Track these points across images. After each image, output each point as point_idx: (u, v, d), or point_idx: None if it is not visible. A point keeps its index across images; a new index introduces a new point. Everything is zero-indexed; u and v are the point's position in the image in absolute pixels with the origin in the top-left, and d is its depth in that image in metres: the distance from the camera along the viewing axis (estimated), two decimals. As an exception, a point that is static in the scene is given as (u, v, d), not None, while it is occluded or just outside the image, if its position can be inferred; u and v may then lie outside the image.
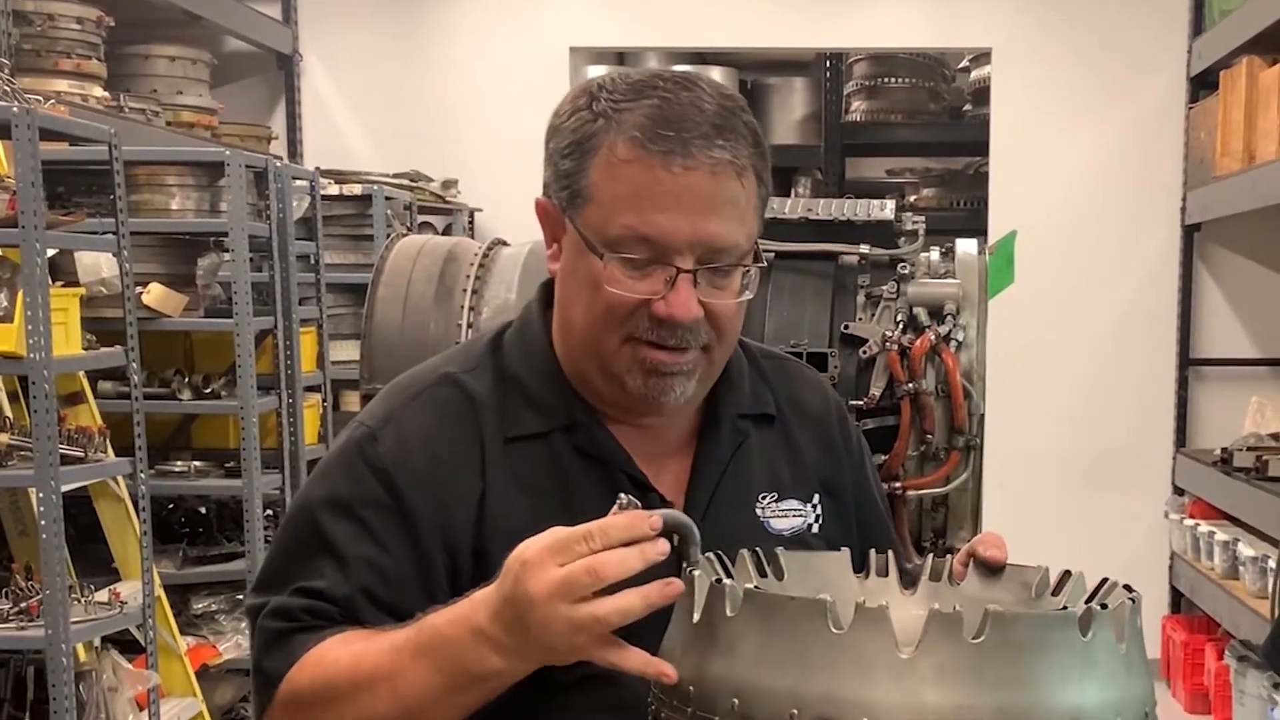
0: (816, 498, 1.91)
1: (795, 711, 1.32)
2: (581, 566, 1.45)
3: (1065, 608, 1.55)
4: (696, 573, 1.46)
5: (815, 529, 1.89)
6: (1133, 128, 7.19)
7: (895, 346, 3.19)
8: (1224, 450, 6.31)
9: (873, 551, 1.71)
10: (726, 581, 1.44)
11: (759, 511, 1.86)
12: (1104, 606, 1.42)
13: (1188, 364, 7.22)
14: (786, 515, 1.87)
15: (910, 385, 3.18)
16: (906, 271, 3.31)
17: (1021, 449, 7.07)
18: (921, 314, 3.25)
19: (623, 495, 1.52)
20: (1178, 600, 7.22)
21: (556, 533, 1.48)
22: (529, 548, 1.49)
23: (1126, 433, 7.24)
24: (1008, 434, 7.11)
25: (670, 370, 1.73)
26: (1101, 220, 7.20)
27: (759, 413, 1.91)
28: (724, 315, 1.75)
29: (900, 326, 3.24)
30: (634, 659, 1.47)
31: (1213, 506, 6.58)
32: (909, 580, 1.71)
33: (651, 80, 1.73)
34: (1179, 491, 7.10)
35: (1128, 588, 1.53)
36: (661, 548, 1.47)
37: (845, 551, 1.71)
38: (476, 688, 1.57)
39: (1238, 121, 6.22)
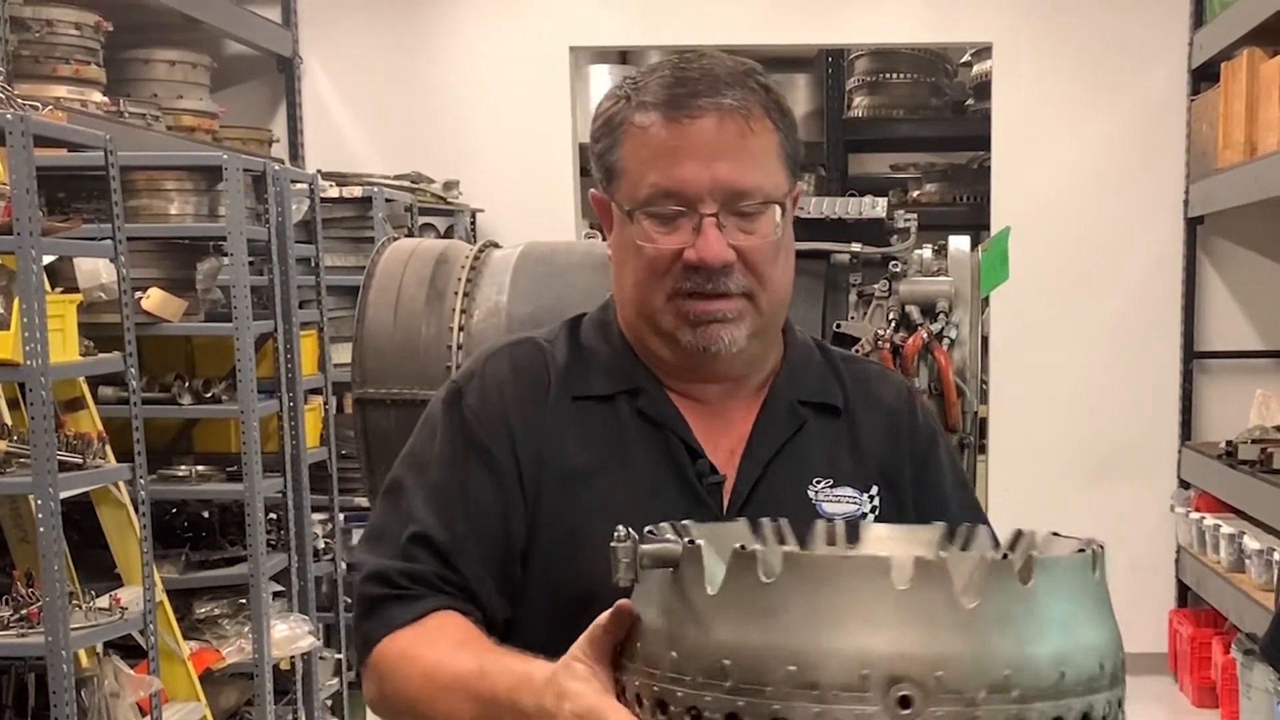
0: (875, 489, 1.94)
1: (866, 672, 1.28)
2: None
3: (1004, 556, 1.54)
4: (701, 542, 1.41)
5: (870, 518, 1.91)
6: (1134, 120, 7.17)
7: (887, 345, 3.19)
8: (1229, 443, 6.30)
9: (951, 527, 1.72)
10: (757, 548, 1.38)
11: (811, 494, 1.90)
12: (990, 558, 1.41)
13: (1192, 357, 7.21)
14: (840, 501, 1.91)
15: (902, 383, 3.17)
16: (898, 269, 3.30)
17: (1026, 444, 7.08)
18: (914, 312, 3.25)
19: (620, 528, 1.48)
20: (1184, 594, 7.20)
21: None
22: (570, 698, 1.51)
23: (1131, 427, 7.23)
24: (1012, 429, 7.13)
25: (714, 317, 1.82)
26: (1104, 214, 7.18)
27: (821, 402, 1.95)
28: (758, 257, 1.82)
29: (892, 325, 3.23)
30: None
31: (1218, 500, 6.56)
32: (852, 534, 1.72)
33: (669, 59, 1.86)
34: (1184, 485, 7.09)
35: (999, 546, 1.60)
36: None
37: (936, 525, 1.73)
38: None
39: (1239, 113, 6.20)
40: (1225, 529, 6.24)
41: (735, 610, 1.34)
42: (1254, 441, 6.09)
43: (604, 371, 1.92)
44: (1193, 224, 7.14)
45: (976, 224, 7.74)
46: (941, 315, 3.23)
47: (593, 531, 1.77)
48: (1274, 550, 5.60)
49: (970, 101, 8.22)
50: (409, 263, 3.49)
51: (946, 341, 3.21)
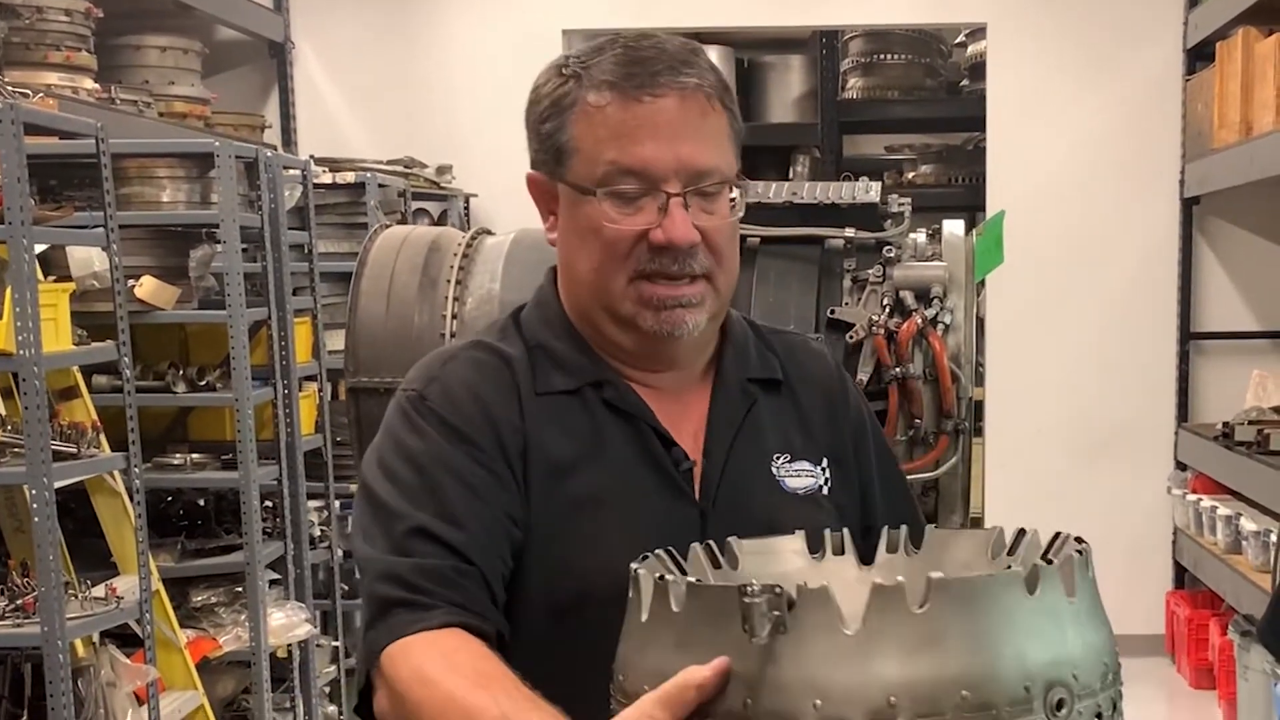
0: (825, 462, 1.95)
1: (1029, 684, 1.30)
2: None
3: (1009, 567, 1.53)
4: (640, 570, 1.42)
5: (825, 491, 1.93)
6: (1130, 101, 7.15)
7: (882, 331, 3.18)
8: (1225, 425, 6.29)
9: (827, 531, 1.71)
10: (669, 577, 1.40)
11: (774, 470, 1.90)
12: (1049, 562, 1.40)
13: (1188, 338, 7.20)
14: (800, 475, 1.91)
15: (897, 370, 3.17)
16: (892, 254, 3.29)
17: (1023, 426, 7.07)
18: (908, 297, 3.23)
19: (754, 583, 1.34)
20: (1181, 575, 7.20)
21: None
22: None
23: (1128, 408, 7.22)
24: (1008, 410, 7.12)
25: (679, 302, 1.80)
26: (1100, 194, 7.17)
27: (766, 377, 1.96)
28: (719, 238, 1.82)
29: (887, 310, 3.22)
30: None
31: (1215, 481, 6.56)
32: (868, 556, 1.70)
33: (611, 40, 1.84)
34: (1181, 466, 7.08)
35: (1079, 540, 1.50)
36: None
37: (800, 534, 1.71)
38: None
39: (1234, 93, 6.18)
40: (1222, 510, 6.23)
41: (890, 644, 1.30)
42: (1251, 423, 6.08)
43: (562, 367, 1.88)
44: (1188, 204, 7.13)
45: (972, 205, 7.71)
46: (936, 300, 3.23)
47: (585, 525, 1.77)
48: (1271, 532, 5.60)
49: (965, 82, 8.19)
50: (401, 251, 3.48)
51: (941, 327, 3.20)
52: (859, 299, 3.28)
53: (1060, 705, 1.32)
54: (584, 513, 1.76)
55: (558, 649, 1.70)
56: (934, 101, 8.14)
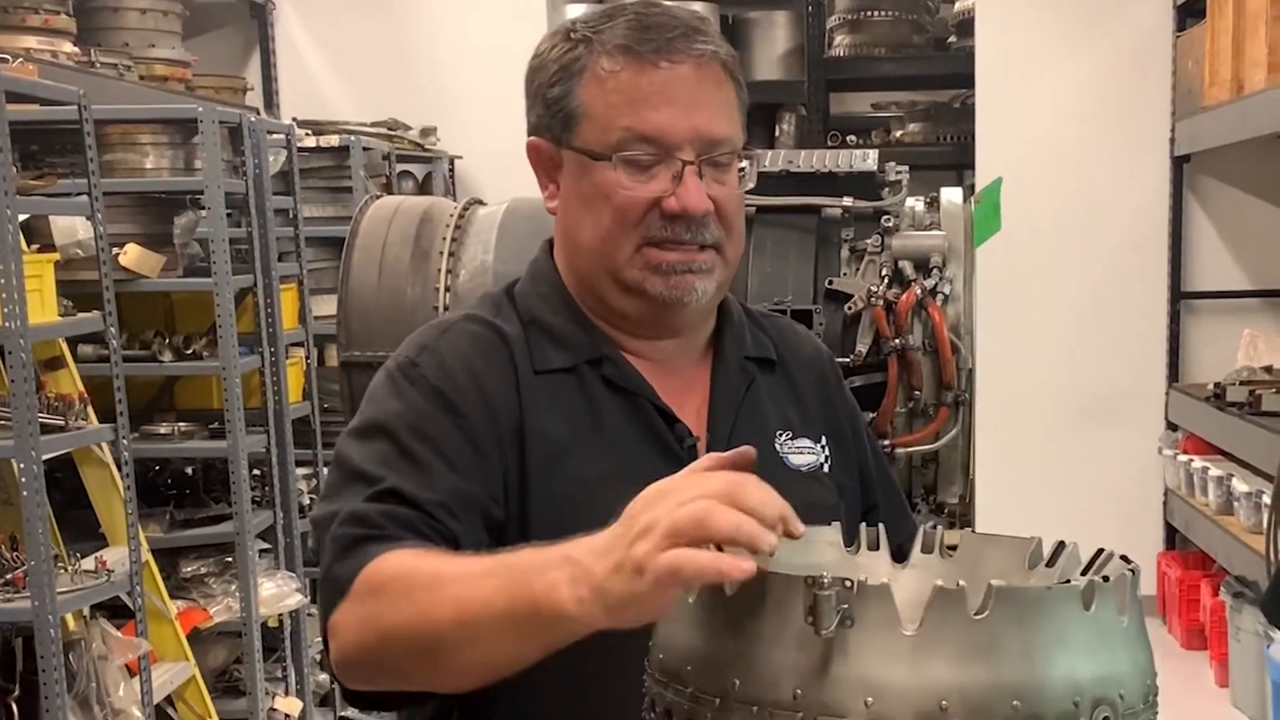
0: (824, 440, 1.94)
1: (1078, 699, 1.30)
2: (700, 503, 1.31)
3: (1068, 580, 1.51)
4: (884, 580, 1.36)
5: (826, 468, 1.93)
6: (1119, 57, 7.09)
7: (881, 302, 3.15)
8: (1217, 385, 6.27)
9: (863, 525, 1.67)
10: (961, 584, 1.33)
11: (778, 447, 1.89)
12: (1105, 579, 1.38)
13: (1179, 297, 7.15)
14: (802, 452, 1.91)
15: (897, 341, 3.14)
16: (891, 224, 3.25)
17: (1013, 388, 7.03)
18: (907, 267, 3.20)
19: (825, 574, 1.30)
20: (1172, 536, 7.19)
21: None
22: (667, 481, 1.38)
23: (1119, 368, 7.18)
24: (999, 373, 7.09)
25: (689, 268, 1.78)
26: (1090, 152, 7.11)
27: (762, 356, 1.95)
28: (729, 208, 1.81)
29: (885, 281, 3.19)
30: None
31: (1206, 442, 6.54)
32: (900, 554, 1.67)
33: (620, 6, 1.82)
34: (1172, 427, 7.06)
35: (1125, 558, 1.49)
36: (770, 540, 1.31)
37: (836, 525, 1.66)
38: (529, 625, 1.40)
39: (1225, 50, 6.13)
40: (1214, 471, 6.22)
41: (947, 648, 1.29)
42: (1242, 383, 6.06)
43: (560, 343, 1.84)
44: (1179, 163, 7.07)
45: (961, 164, 7.66)
46: (935, 270, 3.19)
47: (588, 506, 1.71)
48: (1263, 493, 5.58)
49: (953, 39, 8.11)
50: (393, 221, 3.44)
51: (940, 297, 3.17)
52: (857, 269, 3.24)
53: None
54: (586, 493, 1.72)
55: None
56: (922, 59, 8.06)
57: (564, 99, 1.78)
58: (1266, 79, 5.64)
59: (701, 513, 1.28)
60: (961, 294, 3.21)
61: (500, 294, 1.92)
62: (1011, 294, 7.01)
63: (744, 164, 1.83)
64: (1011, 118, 7.13)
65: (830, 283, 3.20)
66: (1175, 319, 7.16)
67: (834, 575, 1.30)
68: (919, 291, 3.14)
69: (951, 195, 3.34)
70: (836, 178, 3.31)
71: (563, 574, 1.35)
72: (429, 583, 1.49)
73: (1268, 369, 6.28)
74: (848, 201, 3.25)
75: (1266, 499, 5.43)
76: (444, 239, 3.37)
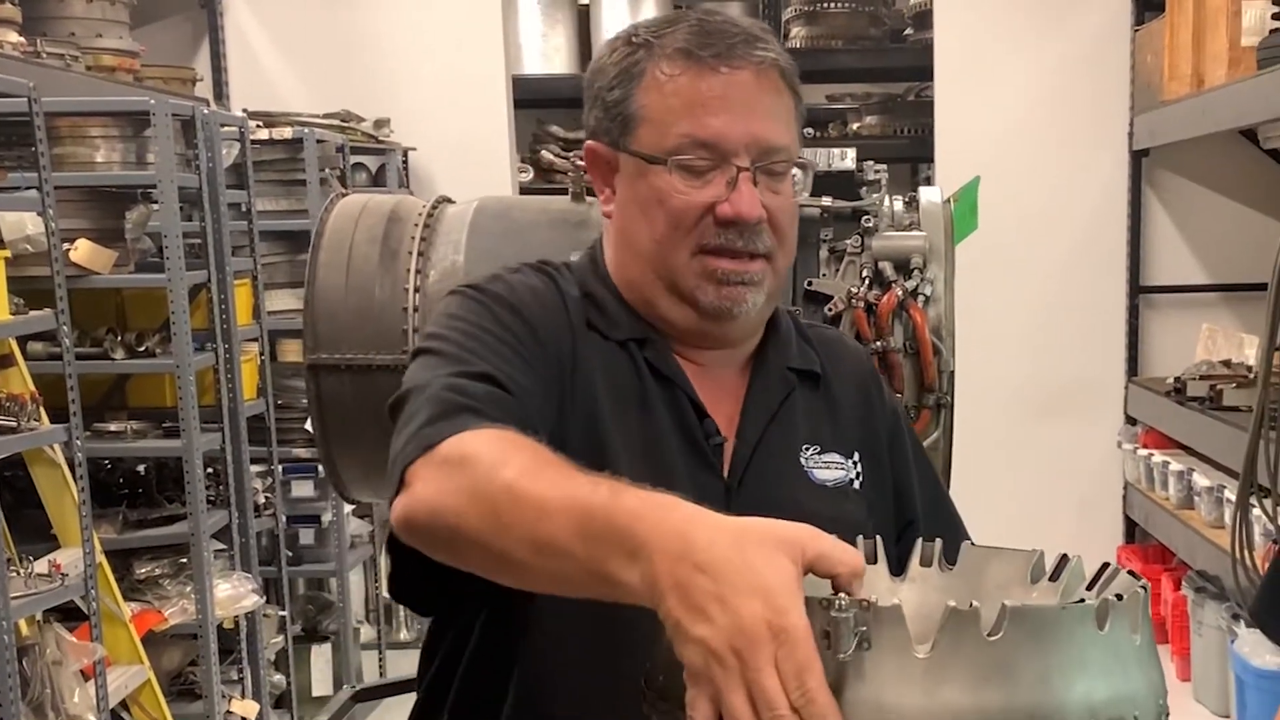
0: (856, 456, 1.93)
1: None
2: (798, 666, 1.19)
3: (1083, 600, 1.47)
4: (896, 600, 1.28)
5: (856, 485, 1.91)
6: (1078, 50, 7.07)
7: (861, 303, 3.09)
8: (1177, 380, 6.27)
9: (860, 537, 1.59)
10: (975, 604, 1.28)
11: (803, 460, 1.89)
12: (1118, 597, 1.34)
13: (1138, 291, 7.16)
14: (829, 467, 1.90)
15: (878, 343, 3.08)
16: (870, 224, 3.19)
17: (972, 381, 6.95)
18: (887, 268, 3.14)
19: (843, 597, 1.25)
20: (1131, 530, 7.20)
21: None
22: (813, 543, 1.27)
23: (1078, 362, 7.18)
24: (959, 366, 7.04)
25: (740, 279, 1.78)
26: (1048, 146, 7.10)
27: (805, 369, 1.94)
28: (783, 218, 1.81)
29: (865, 282, 3.13)
30: None
31: (1166, 436, 6.55)
32: (897, 566, 1.64)
33: (681, 13, 1.84)
34: (1131, 421, 7.07)
35: (1132, 574, 1.46)
36: None
37: (860, 540, 1.56)
38: (597, 588, 1.33)
39: (1186, 44, 6.12)
40: (1174, 466, 6.22)
41: (961, 670, 1.25)
42: (1203, 377, 6.06)
43: (611, 318, 1.86)
44: (1138, 157, 7.08)
45: (918, 157, 7.65)
46: (916, 271, 3.14)
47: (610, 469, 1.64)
48: (1225, 488, 5.59)
49: (909, 31, 8.08)
50: (360, 220, 3.34)
51: (922, 299, 3.11)
52: (837, 270, 3.19)
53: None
54: (609, 464, 1.66)
55: (569, 613, 1.53)
56: (878, 51, 8.02)
57: (622, 102, 1.80)
58: (1227, 74, 5.64)
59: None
60: (942, 295, 3.16)
61: (557, 263, 1.94)
62: (970, 287, 6.91)
63: (798, 173, 1.83)
64: (970, 111, 7.11)
65: (809, 284, 3.13)
66: (1134, 313, 7.17)
67: (848, 596, 1.26)
68: (900, 293, 3.09)
69: (930, 195, 3.28)
70: (815, 176, 3.24)
71: (651, 569, 1.26)
72: (516, 492, 1.39)
73: (1226, 363, 6.28)
74: (826, 201, 3.19)
75: (1229, 494, 5.43)
76: (413, 238, 3.27)
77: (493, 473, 1.42)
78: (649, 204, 1.79)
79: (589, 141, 1.88)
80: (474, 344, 1.71)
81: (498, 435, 1.50)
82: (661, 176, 1.76)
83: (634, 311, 1.86)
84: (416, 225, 3.31)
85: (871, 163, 3.31)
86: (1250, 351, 6.15)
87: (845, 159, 3.28)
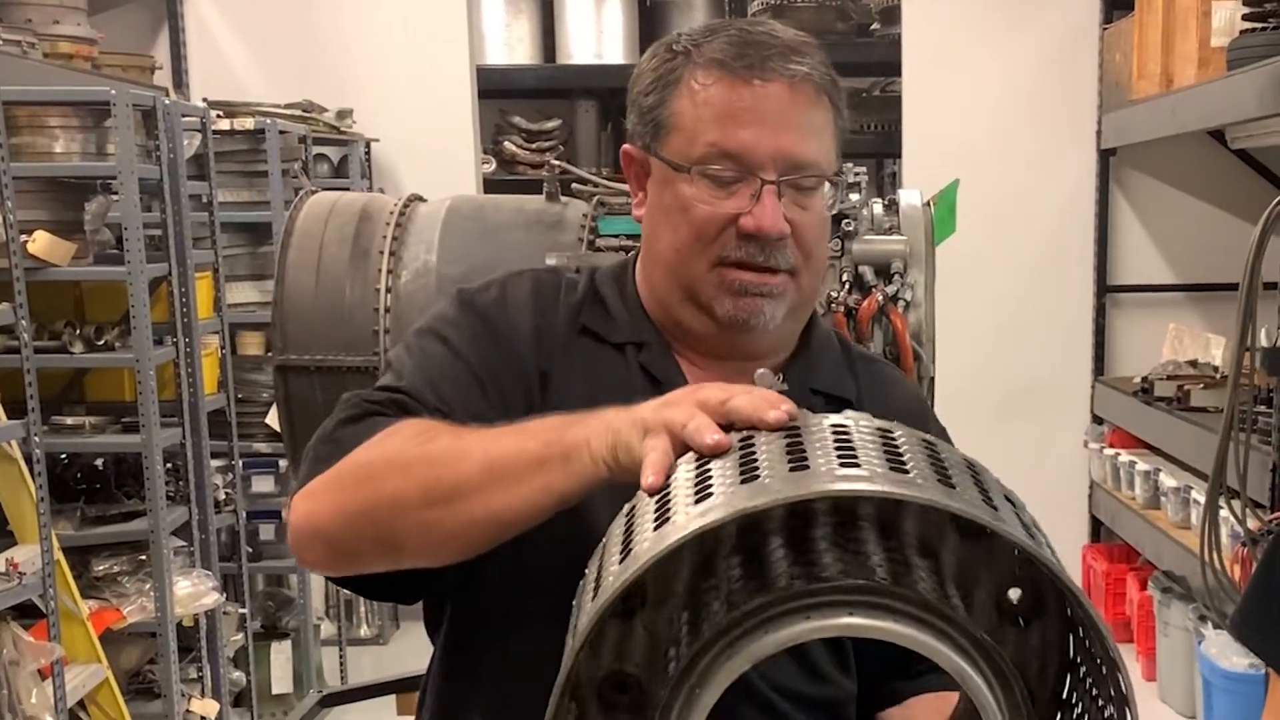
0: None
1: None
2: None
3: None
4: None
5: None
6: (1046, 48, 7.06)
7: (841, 308, 3.05)
8: (1144, 380, 6.26)
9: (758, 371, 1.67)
10: None
11: None
12: None
13: (1105, 291, 7.16)
14: None
15: (857, 349, 3.03)
16: (850, 228, 3.16)
17: (939, 380, 6.97)
18: (868, 273, 3.11)
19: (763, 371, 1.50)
20: (1097, 529, 7.20)
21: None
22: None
23: (1045, 361, 7.18)
24: (926, 364, 7.04)
25: (760, 291, 1.77)
26: (1016, 143, 7.08)
27: (834, 394, 1.90)
28: (809, 234, 1.79)
29: (846, 286, 3.10)
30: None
31: (1132, 435, 6.54)
32: None
33: (726, 23, 1.85)
34: (1098, 420, 7.06)
35: None
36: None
37: None
38: (558, 466, 1.49)
39: (1155, 44, 6.10)
40: (1141, 466, 6.22)
41: None
42: (1170, 378, 6.06)
43: (614, 319, 1.87)
44: (1105, 156, 7.07)
45: (884, 153, 7.62)
46: (896, 276, 3.10)
47: None
48: (1191, 488, 5.58)
49: (876, 26, 8.06)
50: (330, 219, 3.29)
51: (902, 304, 3.08)
52: (816, 274, 3.14)
53: None
54: None
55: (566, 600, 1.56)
56: (845, 45, 7.99)
57: (657, 108, 1.80)
58: (1196, 74, 5.62)
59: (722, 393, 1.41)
60: (923, 300, 3.13)
61: (585, 269, 1.97)
62: (938, 285, 6.95)
63: (830, 191, 1.81)
64: (937, 107, 7.08)
65: (788, 287, 3.10)
66: (1101, 312, 7.16)
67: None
68: (880, 298, 3.05)
69: (910, 198, 3.25)
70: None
71: (597, 426, 1.48)
72: (452, 433, 1.59)
73: (1193, 363, 6.28)
74: (806, 203, 3.15)
75: (1195, 495, 5.43)
76: (384, 237, 3.23)
77: (424, 434, 1.61)
78: (673, 211, 1.78)
79: (624, 145, 1.88)
80: (422, 379, 1.76)
81: (410, 421, 1.65)
82: (687, 185, 1.76)
83: (644, 315, 1.86)
84: (388, 224, 3.26)
85: (851, 165, 3.27)
86: (1217, 352, 6.15)
87: (825, 160, 3.22)
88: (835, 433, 1.29)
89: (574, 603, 1.30)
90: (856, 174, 3.25)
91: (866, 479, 1.20)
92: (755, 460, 1.27)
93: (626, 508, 1.34)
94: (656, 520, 1.24)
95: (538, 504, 1.50)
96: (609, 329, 1.85)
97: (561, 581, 1.42)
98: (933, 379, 3.15)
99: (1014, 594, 1.32)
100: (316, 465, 1.67)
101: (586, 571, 1.32)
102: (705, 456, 1.33)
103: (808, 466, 1.22)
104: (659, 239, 1.82)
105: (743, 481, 1.23)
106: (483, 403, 1.74)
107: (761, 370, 1.59)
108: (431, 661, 1.90)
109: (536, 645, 1.51)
